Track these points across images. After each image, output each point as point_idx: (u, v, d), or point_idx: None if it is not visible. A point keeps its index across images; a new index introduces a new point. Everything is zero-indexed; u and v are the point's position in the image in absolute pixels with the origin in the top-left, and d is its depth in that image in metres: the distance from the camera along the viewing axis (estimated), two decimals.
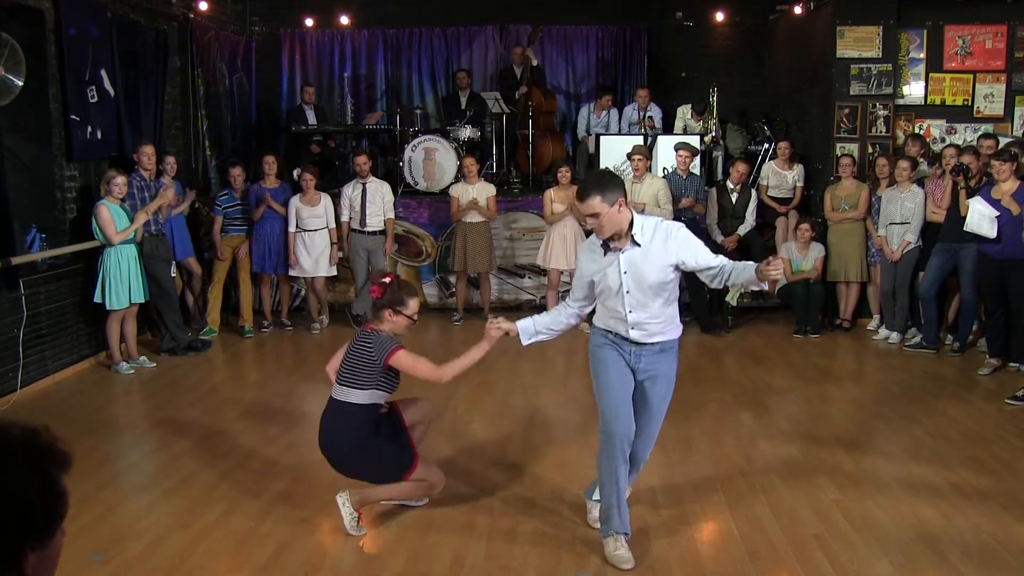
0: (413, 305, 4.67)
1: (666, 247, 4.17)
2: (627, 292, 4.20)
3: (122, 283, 7.82)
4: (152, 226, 8.23)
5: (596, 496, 4.66)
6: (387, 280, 4.70)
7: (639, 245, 4.19)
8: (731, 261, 4.26)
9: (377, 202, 9.49)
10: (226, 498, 5.10)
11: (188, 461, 5.74)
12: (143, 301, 8.09)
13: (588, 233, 9.53)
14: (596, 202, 4.07)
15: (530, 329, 4.52)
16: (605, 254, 4.27)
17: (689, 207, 9.16)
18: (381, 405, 4.70)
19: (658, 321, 4.27)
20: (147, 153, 8.28)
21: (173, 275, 8.73)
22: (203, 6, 10.16)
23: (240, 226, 9.40)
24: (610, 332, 4.36)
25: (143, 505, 5.08)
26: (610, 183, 4.15)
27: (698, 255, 4.21)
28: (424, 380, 4.73)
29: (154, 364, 8.17)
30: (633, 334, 4.27)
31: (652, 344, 4.30)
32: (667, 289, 4.24)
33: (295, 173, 9.59)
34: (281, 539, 4.56)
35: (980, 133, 9.28)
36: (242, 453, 5.85)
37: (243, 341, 9.27)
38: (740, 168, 9.58)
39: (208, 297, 9.43)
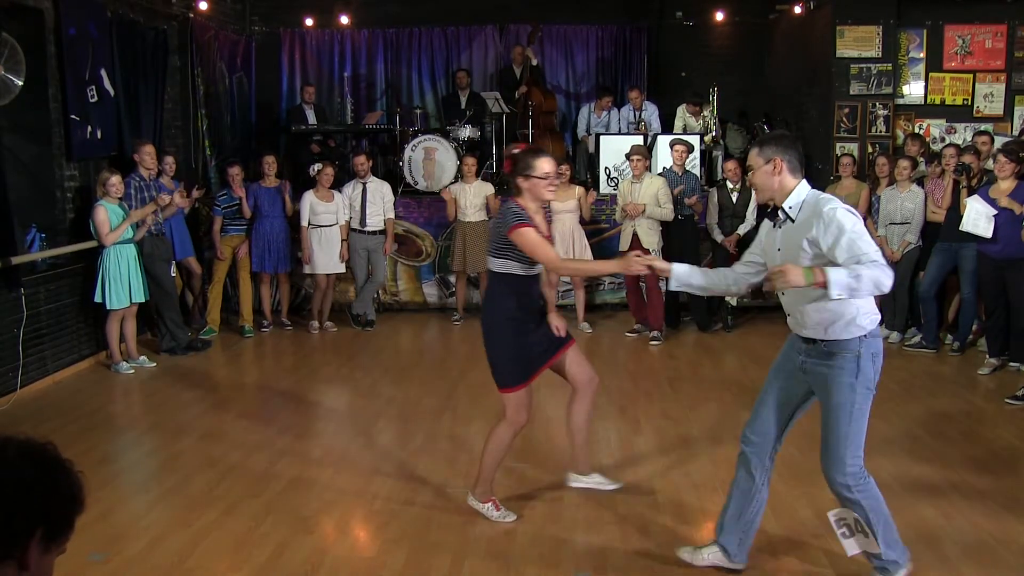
0: (542, 165, 4.56)
1: (811, 223, 3.67)
2: None
3: (122, 283, 7.82)
4: (152, 226, 8.23)
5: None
6: (515, 151, 4.69)
7: (792, 220, 3.78)
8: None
9: (377, 202, 9.49)
10: (226, 498, 5.09)
11: (188, 461, 5.74)
12: (143, 301, 8.09)
13: (590, 235, 9.61)
14: (753, 153, 3.87)
15: (683, 275, 4.10)
16: (774, 227, 3.91)
17: (690, 205, 9.15)
18: (516, 276, 4.58)
19: (819, 313, 3.70)
20: (148, 152, 8.26)
21: (173, 275, 8.73)
22: (203, 6, 10.14)
23: (240, 226, 9.40)
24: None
25: (143, 504, 5.07)
26: (774, 140, 3.86)
27: (839, 245, 3.55)
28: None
29: (154, 364, 8.17)
30: (790, 322, 3.89)
31: (816, 343, 3.76)
32: None
33: (314, 168, 9.62)
34: (281, 539, 4.56)
35: (977, 131, 9.30)
36: (242, 453, 5.84)
37: (243, 341, 9.27)
38: (729, 166, 9.55)
39: (208, 297, 9.43)
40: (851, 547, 3.90)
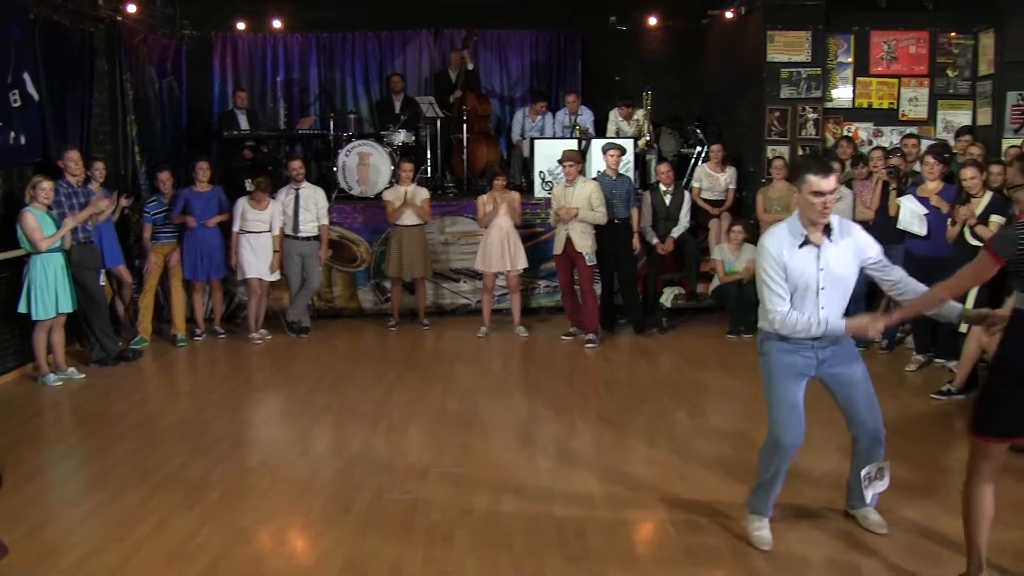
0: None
1: (854, 243, 4.34)
2: (823, 288, 4.24)
3: (48, 292, 7.64)
4: (80, 234, 8.05)
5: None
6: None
7: (832, 241, 4.25)
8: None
9: (311, 208, 9.40)
10: (159, 510, 5.00)
11: (120, 473, 5.62)
12: (71, 311, 7.90)
13: (525, 239, 9.63)
14: (833, 179, 4.13)
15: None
16: (800, 248, 4.21)
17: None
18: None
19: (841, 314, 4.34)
20: (73, 159, 8.09)
21: (102, 283, 8.54)
22: (131, 8, 9.98)
23: (171, 233, 9.24)
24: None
25: (73, 520, 4.95)
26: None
27: (882, 253, 4.39)
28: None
29: (83, 375, 7.99)
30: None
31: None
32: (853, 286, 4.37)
33: (248, 184, 9.47)
34: (216, 550, 4.49)
35: (905, 133, 9.53)
36: (175, 464, 5.75)
37: (175, 350, 9.11)
38: (662, 169, 9.74)
39: (139, 305, 9.26)
40: (875, 494, 4.63)
